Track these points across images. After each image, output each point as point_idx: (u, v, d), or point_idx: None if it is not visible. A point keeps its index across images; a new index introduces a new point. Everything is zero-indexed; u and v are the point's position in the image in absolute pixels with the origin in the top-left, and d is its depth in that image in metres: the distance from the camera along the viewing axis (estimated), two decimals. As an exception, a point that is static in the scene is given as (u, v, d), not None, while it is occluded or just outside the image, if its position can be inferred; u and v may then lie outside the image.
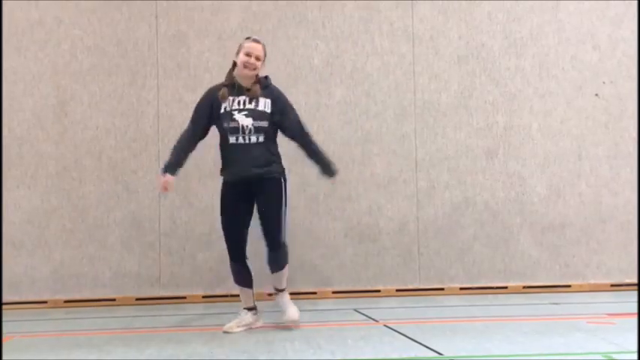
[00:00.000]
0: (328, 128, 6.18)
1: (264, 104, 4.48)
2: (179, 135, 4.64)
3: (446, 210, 6.23)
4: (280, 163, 4.57)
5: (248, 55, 4.45)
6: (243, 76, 4.49)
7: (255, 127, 4.41)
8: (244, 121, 4.40)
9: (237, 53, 4.51)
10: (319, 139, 6.01)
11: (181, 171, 6.06)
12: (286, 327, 4.55)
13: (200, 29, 6.21)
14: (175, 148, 4.58)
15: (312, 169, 6.05)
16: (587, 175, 6.30)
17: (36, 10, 6.12)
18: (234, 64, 4.52)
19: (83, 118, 6.11)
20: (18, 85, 6.08)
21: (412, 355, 3.67)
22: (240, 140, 4.41)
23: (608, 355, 3.51)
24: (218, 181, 6.07)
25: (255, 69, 4.47)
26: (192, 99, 6.13)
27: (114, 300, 6.00)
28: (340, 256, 6.13)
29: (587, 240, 6.25)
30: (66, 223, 6.04)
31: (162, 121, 6.14)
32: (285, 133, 4.61)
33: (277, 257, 4.57)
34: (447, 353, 3.65)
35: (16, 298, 5.93)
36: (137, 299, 6.02)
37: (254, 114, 4.43)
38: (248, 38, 4.58)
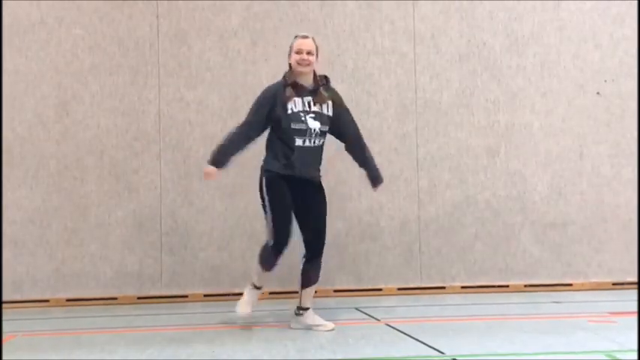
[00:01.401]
0: (329, 127, 6.17)
1: (328, 107, 4.44)
2: (230, 132, 4.50)
3: (447, 209, 6.22)
4: None
5: (299, 52, 4.37)
6: (301, 76, 4.39)
7: (321, 131, 4.38)
8: (313, 124, 4.34)
9: (289, 55, 4.43)
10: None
11: (182, 169, 6.13)
12: (287, 327, 4.55)
13: (201, 28, 6.21)
14: (224, 144, 4.44)
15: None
16: (588, 174, 6.29)
17: (37, 10, 6.12)
18: (290, 67, 4.44)
19: (84, 117, 6.12)
20: (19, 84, 6.08)
21: (413, 354, 3.67)
22: (307, 143, 4.35)
23: (610, 353, 3.51)
24: (219, 180, 6.11)
25: (309, 64, 4.38)
26: (194, 98, 6.19)
27: (115, 299, 6.00)
28: (341, 255, 6.13)
29: (588, 239, 6.24)
30: (67, 223, 6.04)
31: (163, 121, 6.14)
32: (341, 139, 4.57)
33: (317, 267, 4.47)
34: (448, 352, 3.65)
35: (18, 297, 5.94)
36: (138, 298, 6.02)
37: (321, 118, 4.38)
38: (296, 37, 4.48)
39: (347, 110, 4.58)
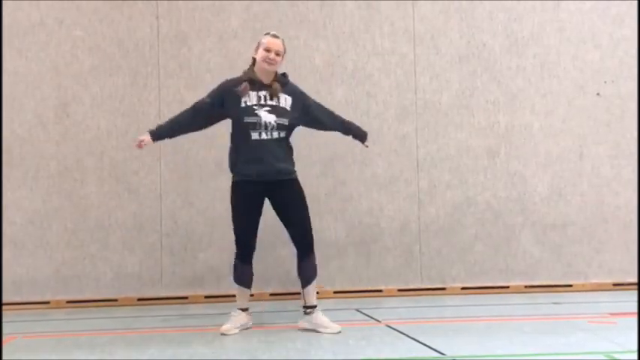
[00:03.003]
0: (329, 128, 6.18)
1: (285, 101, 4.45)
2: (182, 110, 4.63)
3: (447, 210, 6.22)
4: (294, 162, 4.56)
5: (268, 50, 4.39)
6: (263, 72, 4.42)
7: (277, 124, 4.38)
8: (267, 117, 4.36)
9: (257, 49, 4.45)
10: (320, 139, 6.07)
11: (182, 170, 6.13)
12: (288, 327, 4.54)
13: (201, 30, 6.21)
14: (172, 118, 4.61)
15: (312, 168, 6.10)
16: (588, 175, 6.29)
17: (37, 11, 6.12)
18: (254, 61, 4.47)
19: (84, 118, 6.12)
20: (19, 85, 6.09)
21: (414, 355, 3.67)
22: (264, 136, 4.36)
23: (610, 354, 3.51)
24: (220, 181, 6.11)
25: (275, 64, 4.41)
26: (194, 99, 6.14)
27: (115, 300, 6.00)
28: (342, 256, 6.13)
29: (588, 239, 6.24)
30: (67, 224, 6.04)
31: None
32: (322, 128, 4.70)
33: (311, 262, 4.47)
34: (448, 353, 3.65)
35: (18, 299, 5.94)
36: (139, 299, 6.02)
37: (276, 111, 4.39)
38: (267, 34, 4.51)
39: (314, 104, 4.62)
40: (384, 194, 6.21)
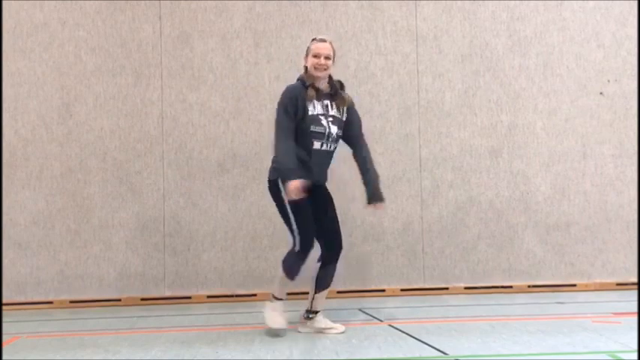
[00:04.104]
0: (332, 128, 6.17)
1: (343, 112, 4.40)
2: (279, 145, 4.17)
3: (450, 209, 6.22)
4: None
5: (317, 56, 4.30)
6: (317, 79, 4.32)
7: (337, 136, 4.34)
8: (332, 128, 4.30)
9: (306, 57, 4.37)
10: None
11: (185, 171, 6.14)
12: (290, 327, 4.54)
13: (204, 30, 6.22)
14: (289, 152, 4.15)
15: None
16: (591, 174, 6.28)
17: (40, 11, 6.14)
18: (306, 69, 4.36)
19: (88, 119, 6.13)
20: (23, 86, 6.10)
21: (417, 354, 3.67)
22: (324, 147, 4.29)
23: (614, 354, 3.50)
24: (222, 181, 6.12)
25: (326, 69, 4.33)
26: (196, 100, 6.20)
27: (119, 300, 6.01)
28: (345, 256, 6.07)
29: (592, 239, 6.24)
30: (71, 224, 6.05)
31: (166, 122, 6.15)
32: (345, 139, 4.44)
33: (333, 271, 4.40)
34: (451, 353, 3.65)
35: (22, 299, 5.95)
36: (142, 299, 6.03)
37: (339, 123, 4.35)
38: (314, 39, 4.41)
39: (357, 114, 4.52)
40: (386, 194, 6.12)
